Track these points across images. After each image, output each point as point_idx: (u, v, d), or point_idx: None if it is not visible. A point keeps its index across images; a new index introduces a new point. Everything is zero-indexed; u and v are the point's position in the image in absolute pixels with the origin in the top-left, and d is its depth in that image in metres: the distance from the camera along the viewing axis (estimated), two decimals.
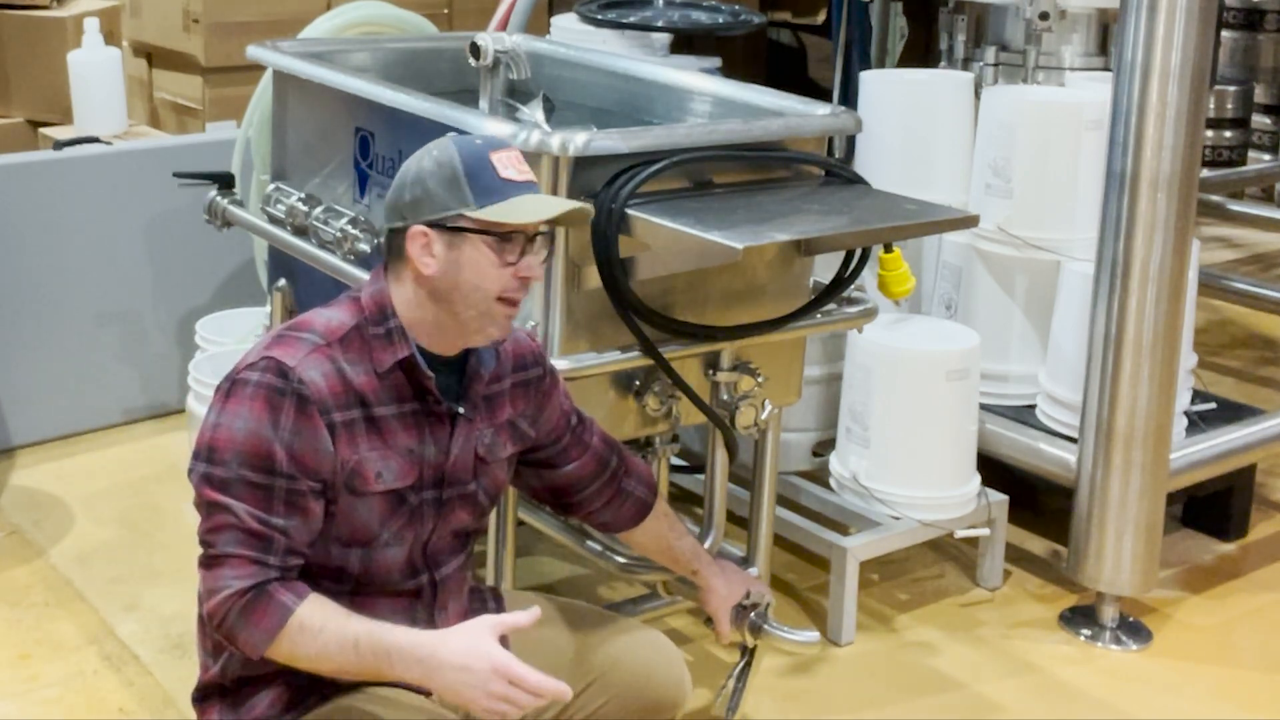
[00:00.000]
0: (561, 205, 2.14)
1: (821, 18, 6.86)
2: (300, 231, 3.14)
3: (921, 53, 5.83)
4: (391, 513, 2.11)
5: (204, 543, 2.02)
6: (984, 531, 3.38)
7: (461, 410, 2.16)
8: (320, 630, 1.98)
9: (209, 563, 2.01)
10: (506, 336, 2.17)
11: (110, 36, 4.84)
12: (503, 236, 2.06)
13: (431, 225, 2.06)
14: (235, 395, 2.03)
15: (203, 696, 2.20)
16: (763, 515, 2.97)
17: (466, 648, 1.95)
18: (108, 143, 4.51)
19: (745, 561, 2.96)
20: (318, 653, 1.98)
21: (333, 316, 2.12)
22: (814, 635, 2.69)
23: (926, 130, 3.69)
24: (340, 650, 1.97)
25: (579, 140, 2.48)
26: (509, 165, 2.08)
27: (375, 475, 2.08)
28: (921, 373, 3.24)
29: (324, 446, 2.03)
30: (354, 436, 2.07)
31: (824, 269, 2.84)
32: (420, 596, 2.19)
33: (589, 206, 2.26)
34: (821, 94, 5.42)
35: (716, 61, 4.05)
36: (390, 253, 2.13)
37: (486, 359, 2.20)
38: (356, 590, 2.13)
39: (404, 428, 2.11)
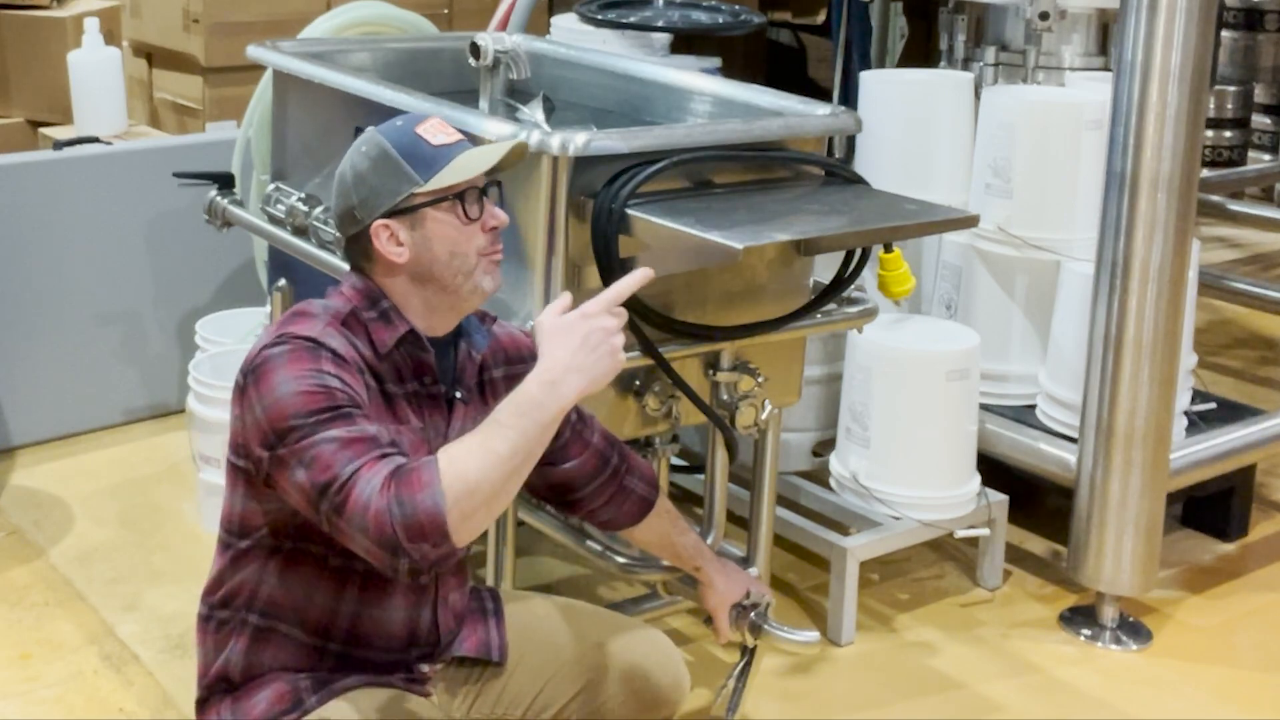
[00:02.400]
0: (500, 149, 2.13)
1: (821, 18, 6.86)
2: (300, 231, 3.14)
3: (921, 53, 5.84)
4: None
5: (324, 486, 1.90)
6: (984, 531, 3.38)
7: (459, 394, 2.17)
8: (467, 446, 1.90)
9: (341, 497, 1.89)
10: (499, 284, 2.15)
11: (110, 36, 4.84)
12: (458, 198, 2.08)
13: (390, 216, 2.08)
14: (265, 373, 2.00)
15: (204, 697, 2.20)
16: (763, 515, 2.96)
17: (559, 334, 1.96)
18: (108, 143, 4.51)
19: (745, 561, 2.96)
20: (485, 459, 1.87)
21: (329, 303, 2.13)
22: (814, 635, 2.69)
23: (926, 130, 3.69)
24: (497, 438, 1.89)
25: (579, 140, 2.49)
26: (436, 132, 2.10)
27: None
28: (921, 373, 3.24)
29: (364, 397, 2.02)
30: (377, 405, 2.07)
31: (824, 269, 2.84)
32: (425, 589, 2.19)
33: (522, 141, 2.21)
34: (821, 94, 5.42)
35: (716, 61, 4.05)
36: (355, 258, 2.15)
37: (479, 342, 2.21)
38: (365, 584, 2.13)
39: (410, 407, 2.13)
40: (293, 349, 2.01)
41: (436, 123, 2.13)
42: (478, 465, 1.88)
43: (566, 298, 2.04)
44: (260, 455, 2.00)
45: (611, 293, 2.01)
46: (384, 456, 1.92)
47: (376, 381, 2.09)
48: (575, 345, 1.95)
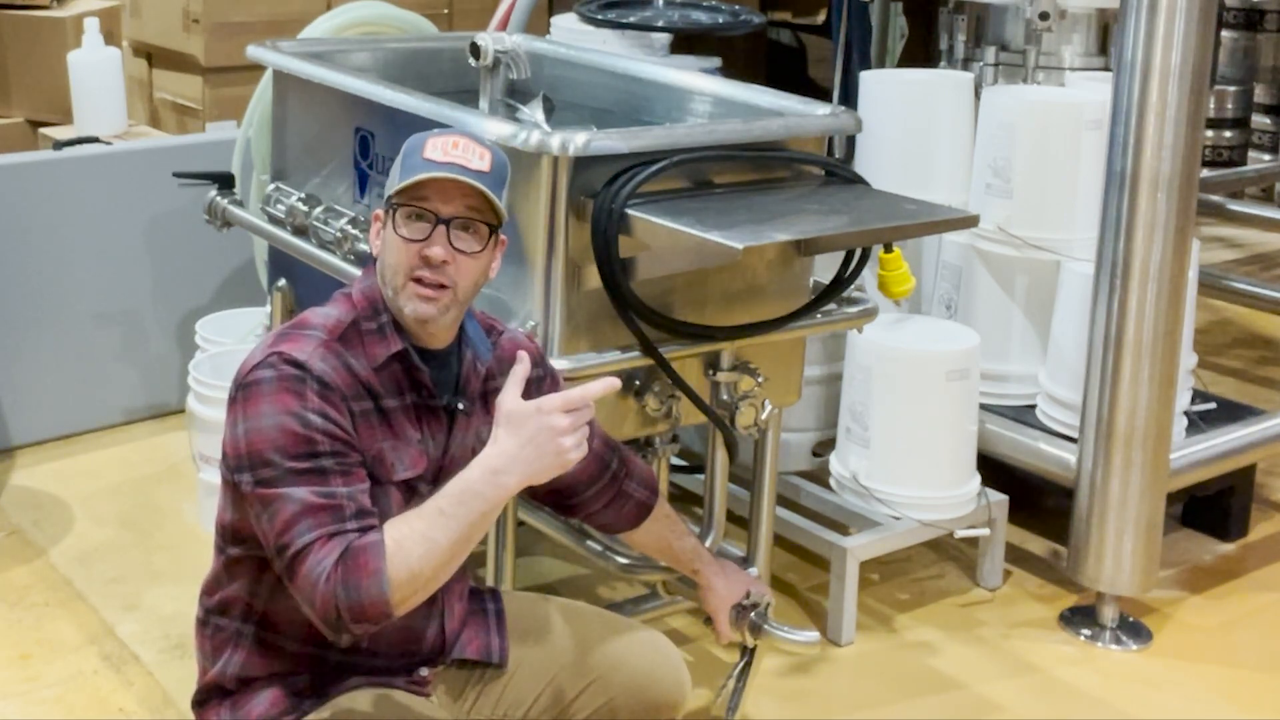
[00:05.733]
0: (447, 172, 2.05)
1: (821, 18, 6.86)
2: (300, 231, 3.14)
3: (921, 53, 5.83)
4: (406, 504, 2.10)
5: (280, 549, 1.96)
6: (984, 531, 3.38)
7: (460, 406, 2.17)
8: (412, 530, 1.94)
9: (292, 566, 1.95)
10: (430, 318, 2.08)
11: (110, 36, 4.84)
12: (409, 213, 2.07)
13: (385, 209, 2.12)
14: (253, 396, 2.02)
15: (202, 700, 2.20)
16: (763, 515, 2.96)
17: (513, 425, 1.97)
18: (108, 143, 4.51)
19: (745, 561, 2.96)
20: (428, 549, 1.93)
21: (330, 314, 2.13)
22: (814, 635, 2.69)
23: (926, 130, 3.69)
24: (440, 528, 1.93)
25: (579, 140, 2.49)
26: (438, 148, 2.08)
27: (393, 465, 2.09)
28: (921, 373, 3.24)
29: (350, 428, 2.04)
30: (370, 426, 2.07)
31: (824, 269, 2.84)
32: (431, 601, 2.18)
33: (490, 195, 2.08)
34: (821, 94, 5.42)
35: (716, 61, 4.05)
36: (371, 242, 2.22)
37: (482, 353, 2.21)
38: None
39: (408, 420, 2.12)
40: (280, 377, 2.02)
41: (449, 141, 2.09)
42: (420, 554, 1.93)
43: (556, 398, 1.98)
44: (231, 479, 2.04)
45: (575, 394, 1.99)
46: (338, 534, 1.94)
47: (372, 399, 2.09)
48: (523, 440, 1.96)
